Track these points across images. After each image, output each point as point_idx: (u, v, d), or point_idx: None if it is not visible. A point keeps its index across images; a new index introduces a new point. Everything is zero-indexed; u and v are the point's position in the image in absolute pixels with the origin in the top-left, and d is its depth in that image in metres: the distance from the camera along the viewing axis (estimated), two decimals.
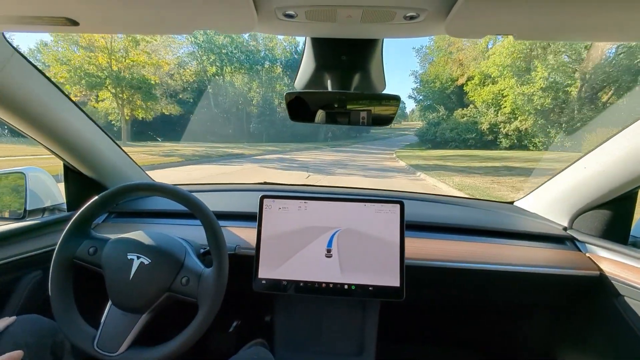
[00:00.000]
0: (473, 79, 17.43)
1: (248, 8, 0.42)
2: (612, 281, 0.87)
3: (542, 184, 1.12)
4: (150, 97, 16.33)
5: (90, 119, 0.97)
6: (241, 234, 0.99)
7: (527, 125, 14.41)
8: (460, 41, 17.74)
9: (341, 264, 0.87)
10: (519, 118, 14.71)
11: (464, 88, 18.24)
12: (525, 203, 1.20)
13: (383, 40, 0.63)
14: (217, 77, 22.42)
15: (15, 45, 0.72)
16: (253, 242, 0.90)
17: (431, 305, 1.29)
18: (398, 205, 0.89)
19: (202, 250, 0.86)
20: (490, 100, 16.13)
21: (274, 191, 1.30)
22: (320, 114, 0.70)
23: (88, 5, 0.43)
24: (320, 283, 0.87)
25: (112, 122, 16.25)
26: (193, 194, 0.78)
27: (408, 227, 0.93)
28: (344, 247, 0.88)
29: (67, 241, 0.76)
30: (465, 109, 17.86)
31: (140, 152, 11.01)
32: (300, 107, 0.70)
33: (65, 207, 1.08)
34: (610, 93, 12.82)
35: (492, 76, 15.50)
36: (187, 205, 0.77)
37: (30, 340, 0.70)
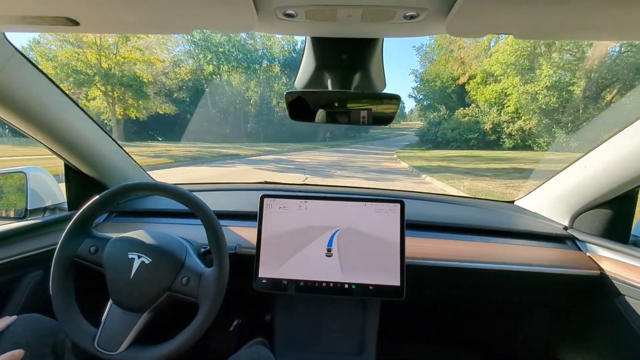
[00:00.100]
0: (475, 78, 17.09)
1: (248, 7, 0.42)
2: (612, 280, 0.87)
3: (542, 183, 1.12)
4: (142, 96, 15.75)
5: (91, 118, 0.97)
6: (242, 234, 1.00)
7: (532, 124, 14.07)
8: (462, 39, 17.48)
9: (341, 264, 0.87)
10: (523, 117, 14.36)
11: (466, 87, 17.94)
12: (526, 202, 1.20)
13: (383, 39, 0.63)
14: (214, 76, 22.09)
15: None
16: (253, 242, 0.90)
17: (432, 304, 1.29)
18: (398, 205, 0.89)
19: (202, 250, 0.86)
20: (493, 100, 15.79)
21: (275, 190, 1.30)
22: (320, 114, 0.70)
23: (88, 5, 0.43)
24: (320, 282, 0.87)
25: (104, 122, 15.72)
26: (194, 193, 0.78)
27: (408, 226, 0.93)
28: (345, 246, 0.88)
29: (68, 240, 0.76)
30: (466, 108, 17.55)
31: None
32: (300, 107, 0.70)
33: (66, 206, 1.08)
34: (614, 92, 12.55)
35: (495, 74, 15.15)
36: (188, 205, 0.77)
37: (31, 340, 0.70)
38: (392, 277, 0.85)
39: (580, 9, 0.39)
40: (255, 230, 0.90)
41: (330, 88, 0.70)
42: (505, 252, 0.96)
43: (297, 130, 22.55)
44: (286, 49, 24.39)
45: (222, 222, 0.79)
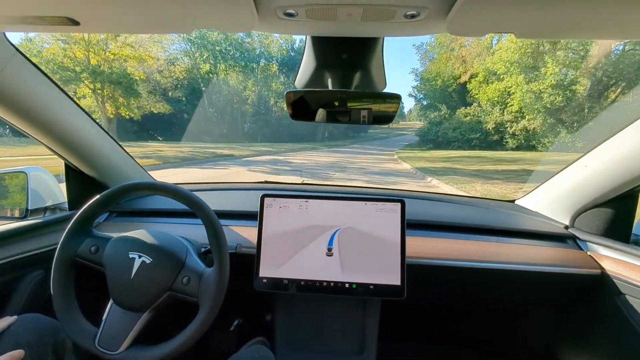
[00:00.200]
0: (477, 76, 16.67)
1: (248, 7, 0.42)
2: (613, 280, 0.87)
3: (543, 183, 1.12)
4: (133, 94, 14.93)
5: (92, 118, 0.97)
6: (242, 233, 1.00)
7: (536, 124, 13.65)
8: (463, 37, 17.38)
9: (342, 263, 0.87)
10: (527, 117, 13.94)
11: (467, 86, 17.57)
12: (527, 201, 1.20)
13: (384, 38, 0.63)
14: (210, 75, 21.60)
15: None
16: (254, 241, 0.90)
17: (432, 304, 1.29)
18: (399, 204, 0.89)
19: (203, 249, 0.86)
20: (496, 99, 15.35)
21: (275, 190, 1.30)
22: (320, 113, 0.70)
23: (89, 5, 0.43)
24: (321, 282, 0.87)
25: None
26: (194, 192, 0.78)
27: (409, 225, 0.93)
28: (345, 245, 0.88)
29: (69, 240, 0.76)
30: (468, 107, 17.19)
31: None
32: (300, 106, 0.70)
33: (66, 206, 1.08)
34: (618, 90, 12.15)
35: (498, 73, 14.68)
36: (189, 204, 0.77)
37: (31, 339, 0.70)
38: (392, 277, 0.85)
39: (581, 8, 0.39)
40: (256, 230, 0.90)
41: (330, 87, 0.70)
42: (506, 251, 0.96)
43: (295, 130, 22.31)
44: (284, 47, 24.02)
45: (222, 221, 0.79)
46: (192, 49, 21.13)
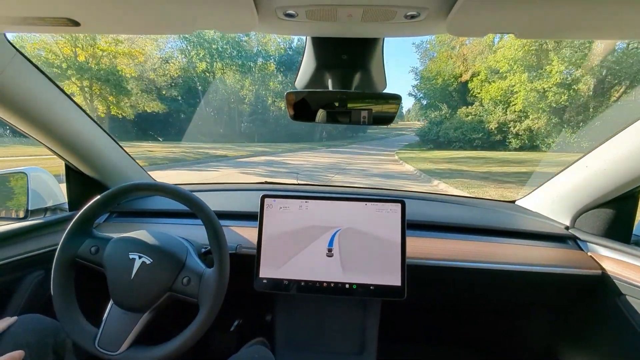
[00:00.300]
0: (479, 75, 16.34)
1: (249, 8, 0.42)
2: (614, 280, 0.87)
3: (543, 183, 1.12)
4: (122, 92, 14.29)
5: (92, 119, 0.97)
6: (242, 233, 1.00)
7: (540, 124, 13.31)
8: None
9: (342, 264, 0.87)
10: (531, 116, 13.56)
11: (469, 85, 17.29)
12: (527, 202, 1.20)
13: (384, 39, 0.63)
14: (207, 73, 21.25)
15: None
16: (254, 242, 0.90)
17: (433, 304, 1.29)
18: (399, 205, 0.89)
19: (203, 250, 0.86)
20: (499, 98, 14.97)
21: (275, 190, 1.30)
22: (321, 114, 0.70)
23: (89, 6, 0.43)
24: (321, 282, 0.87)
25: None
26: (194, 193, 0.78)
27: (409, 226, 0.93)
28: (345, 246, 0.88)
29: (69, 240, 0.76)
30: (469, 107, 16.87)
31: None
32: (301, 107, 0.70)
33: (67, 206, 1.08)
34: (622, 89, 11.81)
35: (501, 71, 14.36)
36: (189, 205, 0.77)
37: (31, 340, 0.70)
38: (393, 277, 0.85)
39: (581, 8, 0.39)
40: (256, 230, 0.90)
41: (330, 88, 0.70)
42: (507, 252, 0.96)
43: (292, 129, 21.98)
44: (282, 46, 23.67)
45: (222, 222, 0.79)
46: (189, 47, 20.73)
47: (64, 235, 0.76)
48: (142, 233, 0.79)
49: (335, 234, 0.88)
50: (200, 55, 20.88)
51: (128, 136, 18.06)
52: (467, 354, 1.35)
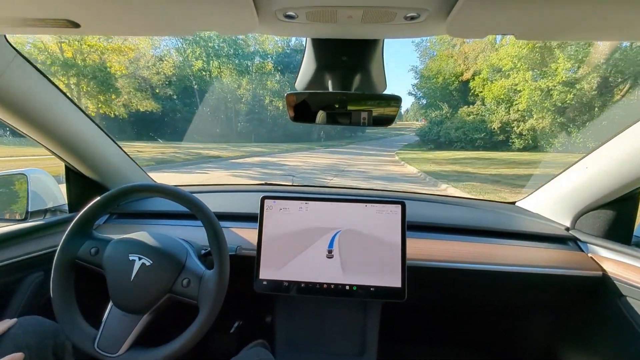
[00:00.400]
0: (481, 74, 15.76)
1: (249, 9, 0.42)
2: (614, 282, 0.86)
3: (544, 184, 1.12)
4: (109, 89, 13.66)
5: (92, 120, 0.97)
6: (242, 235, 0.99)
7: (545, 123, 12.78)
8: None
9: (343, 265, 0.87)
10: (535, 116, 13.03)
11: (470, 83, 16.69)
12: (527, 203, 1.19)
13: (384, 40, 0.63)
14: (203, 72, 20.77)
15: None
16: (254, 243, 0.90)
17: (433, 305, 1.29)
18: (399, 206, 0.88)
19: (203, 251, 0.86)
20: (502, 96, 14.41)
21: (275, 192, 1.30)
22: (321, 115, 0.70)
23: (89, 8, 0.43)
24: (321, 284, 0.86)
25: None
26: (194, 194, 0.78)
27: (409, 227, 0.93)
28: (346, 247, 0.88)
29: (69, 242, 0.76)
30: (471, 106, 16.36)
31: None
32: (301, 108, 0.70)
33: (66, 208, 1.08)
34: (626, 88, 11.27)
35: (504, 70, 13.85)
36: (189, 206, 0.77)
37: (31, 342, 0.70)
38: (393, 279, 0.85)
39: (581, 10, 0.39)
40: (256, 232, 0.90)
41: (330, 89, 0.70)
42: (507, 253, 0.96)
43: (290, 129, 21.43)
44: (280, 45, 23.09)
45: (222, 223, 0.79)
46: (184, 45, 20.21)
47: (64, 236, 0.76)
48: (142, 234, 0.79)
49: (335, 235, 0.88)
50: (197, 54, 20.43)
51: (121, 136, 17.37)
52: (468, 355, 1.35)
